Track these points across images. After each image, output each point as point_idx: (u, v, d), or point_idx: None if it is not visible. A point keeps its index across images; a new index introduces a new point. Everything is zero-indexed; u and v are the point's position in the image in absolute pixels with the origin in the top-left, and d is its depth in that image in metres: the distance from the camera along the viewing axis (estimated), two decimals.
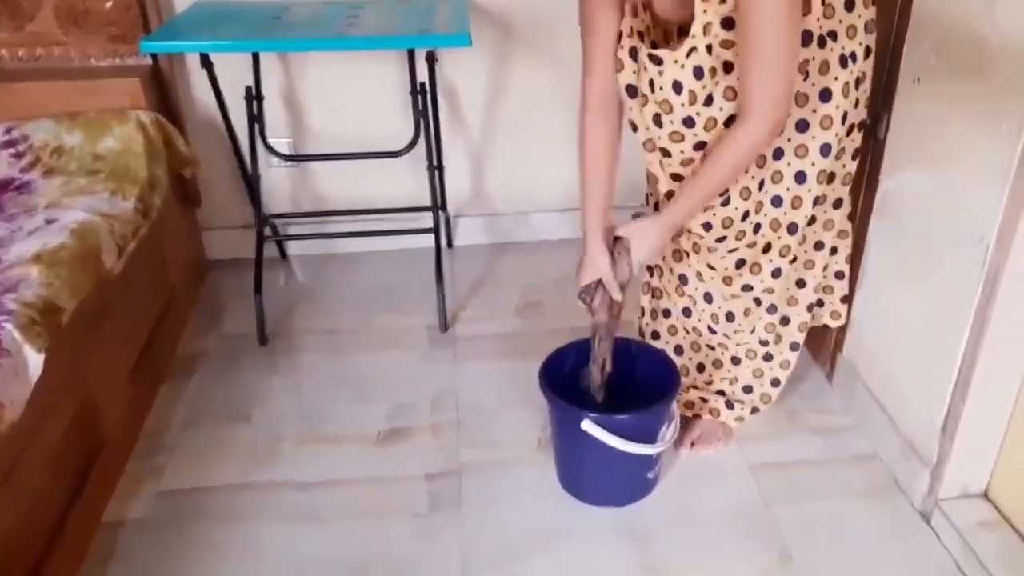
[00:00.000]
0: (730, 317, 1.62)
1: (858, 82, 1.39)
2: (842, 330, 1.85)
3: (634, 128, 1.48)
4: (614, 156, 1.52)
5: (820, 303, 1.72)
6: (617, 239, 1.50)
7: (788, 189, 1.44)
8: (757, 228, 1.49)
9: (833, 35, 1.33)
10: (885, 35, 1.58)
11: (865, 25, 1.35)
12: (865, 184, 1.71)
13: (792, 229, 1.49)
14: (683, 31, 1.34)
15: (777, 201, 1.46)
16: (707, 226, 1.49)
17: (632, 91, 1.43)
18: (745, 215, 1.47)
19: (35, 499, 1.40)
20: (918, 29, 1.48)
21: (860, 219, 1.73)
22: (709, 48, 1.29)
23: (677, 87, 1.33)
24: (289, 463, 1.75)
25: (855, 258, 1.76)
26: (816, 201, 1.48)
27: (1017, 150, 1.23)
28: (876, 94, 1.62)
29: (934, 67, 1.43)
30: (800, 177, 1.43)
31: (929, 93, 1.46)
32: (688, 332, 1.73)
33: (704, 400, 1.77)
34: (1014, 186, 1.25)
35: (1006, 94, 1.25)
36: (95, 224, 1.68)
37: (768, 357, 1.69)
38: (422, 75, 2.10)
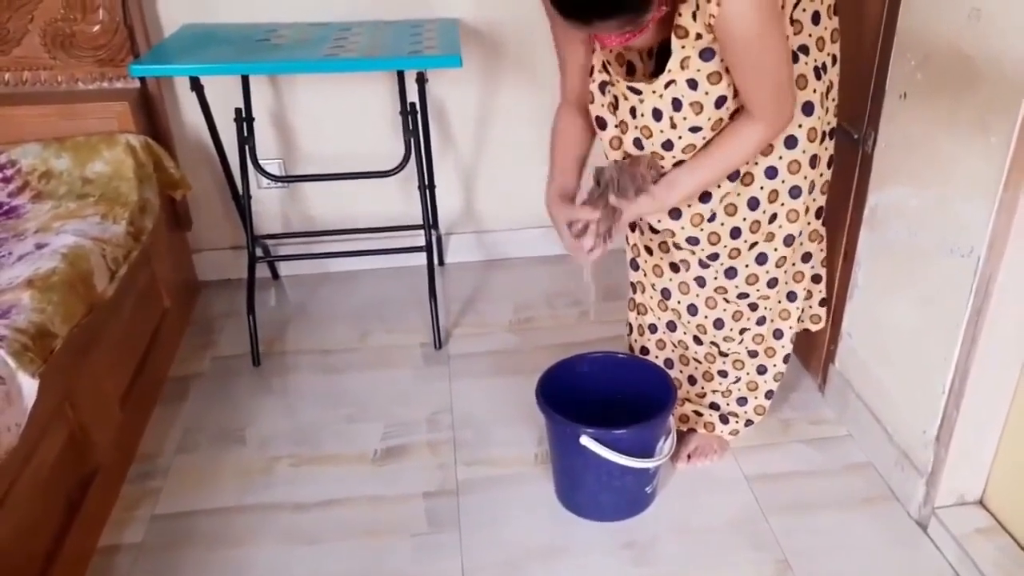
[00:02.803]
0: (719, 324, 1.63)
1: (828, 91, 1.42)
2: (833, 341, 1.87)
3: (607, 156, 1.49)
4: (585, 143, 1.52)
5: (823, 301, 1.73)
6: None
7: (783, 204, 1.46)
8: (753, 246, 1.51)
9: (805, 49, 1.35)
10: (870, 50, 1.61)
11: (831, 35, 1.38)
12: (854, 197, 1.73)
13: (788, 241, 1.51)
14: (654, 54, 1.36)
15: (773, 218, 1.47)
16: (693, 240, 1.51)
17: (601, 123, 1.45)
18: (736, 232, 1.48)
19: (29, 526, 1.38)
20: (903, 45, 1.50)
21: (849, 231, 1.75)
22: (693, 84, 1.28)
23: (657, 114, 1.34)
24: (285, 484, 1.74)
25: (845, 270, 1.78)
26: (807, 210, 1.50)
27: (1006, 164, 1.25)
28: (863, 108, 1.65)
29: (920, 82, 1.46)
30: (795, 192, 1.45)
31: (915, 108, 1.48)
32: (675, 346, 1.74)
33: (698, 414, 1.77)
34: (1003, 199, 1.28)
35: (992, 109, 1.28)
36: (86, 248, 1.67)
37: (762, 370, 1.70)
38: (412, 95, 2.11)
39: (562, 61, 1.46)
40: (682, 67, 1.27)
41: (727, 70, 1.27)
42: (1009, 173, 1.26)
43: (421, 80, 2.12)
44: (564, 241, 1.49)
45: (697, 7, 1.20)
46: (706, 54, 1.25)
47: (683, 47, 1.26)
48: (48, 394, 1.38)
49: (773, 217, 1.47)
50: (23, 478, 1.35)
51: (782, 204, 1.46)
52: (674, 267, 1.60)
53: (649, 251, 1.65)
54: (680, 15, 1.23)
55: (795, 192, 1.45)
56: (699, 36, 1.24)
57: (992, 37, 1.27)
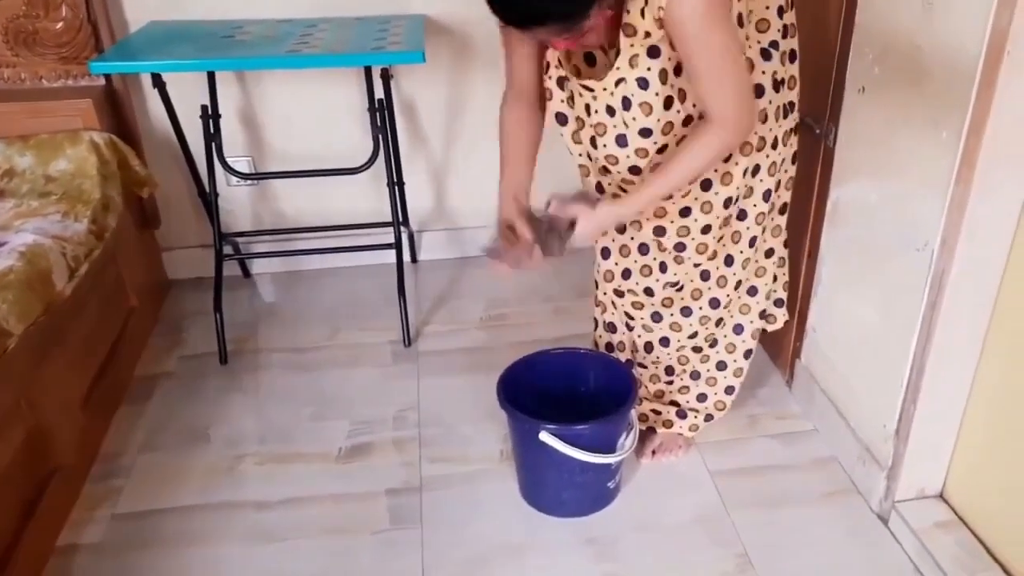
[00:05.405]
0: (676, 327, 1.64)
1: (788, 84, 1.41)
2: (799, 337, 1.87)
3: (570, 151, 1.49)
4: (536, 136, 1.48)
5: (780, 302, 1.73)
6: (552, 218, 1.42)
7: (755, 205, 1.46)
8: (728, 243, 1.51)
9: (775, 45, 1.35)
10: (831, 44, 1.61)
11: (789, 29, 1.37)
12: (816, 192, 1.73)
13: (752, 242, 1.51)
14: (612, 46, 1.35)
15: (743, 215, 1.48)
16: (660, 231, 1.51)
17: (562, 119, 1.44)
18: (706, 228, 1.48)
19: None
20: (861, 39, 1.50)
21: (813, 227, 1.75)
22: (643, 83, 1.27)
23: (610, 111, 1.34)
24: (249, 483, 1.73)
25: (809, 265, 1.78)
26: (771, 207, 1.51)
27: (956, 158, 1.26)
28: (824, 103, 1.65)
29: (877, 76, 1.46)
30: (767, 195, 1.45)
31: (874, 102, 1.48)
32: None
33: (657, 412, 1.77)
34: (954, 193, 1.28)
35: (943, 104, 1.28)
36: (45, 247, 1.65)
37: (722, 366, 1.70)
38: (379, 92, 2.10)
39: (508, 51, 1.44)
40: (631, 65, 1.26)
41: (676, 71, 1.26)
42: (960, 168, 1.26)
43: (386, 76, 2.11)
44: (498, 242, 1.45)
45: (646, 2, 1.19)
46: (653, 51, 1.24)
47: (632, 45, 1.25)
48: (2, 394, 1.37)
49: (742, 213, 1.48)
50: None
51: (754, 205, 1.46)
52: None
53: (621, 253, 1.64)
54: (628, 12, 1.22)
55: (767, 195, 1.46)
56: (648, 34, 1.23)
57: (942, 31, 1.27)
